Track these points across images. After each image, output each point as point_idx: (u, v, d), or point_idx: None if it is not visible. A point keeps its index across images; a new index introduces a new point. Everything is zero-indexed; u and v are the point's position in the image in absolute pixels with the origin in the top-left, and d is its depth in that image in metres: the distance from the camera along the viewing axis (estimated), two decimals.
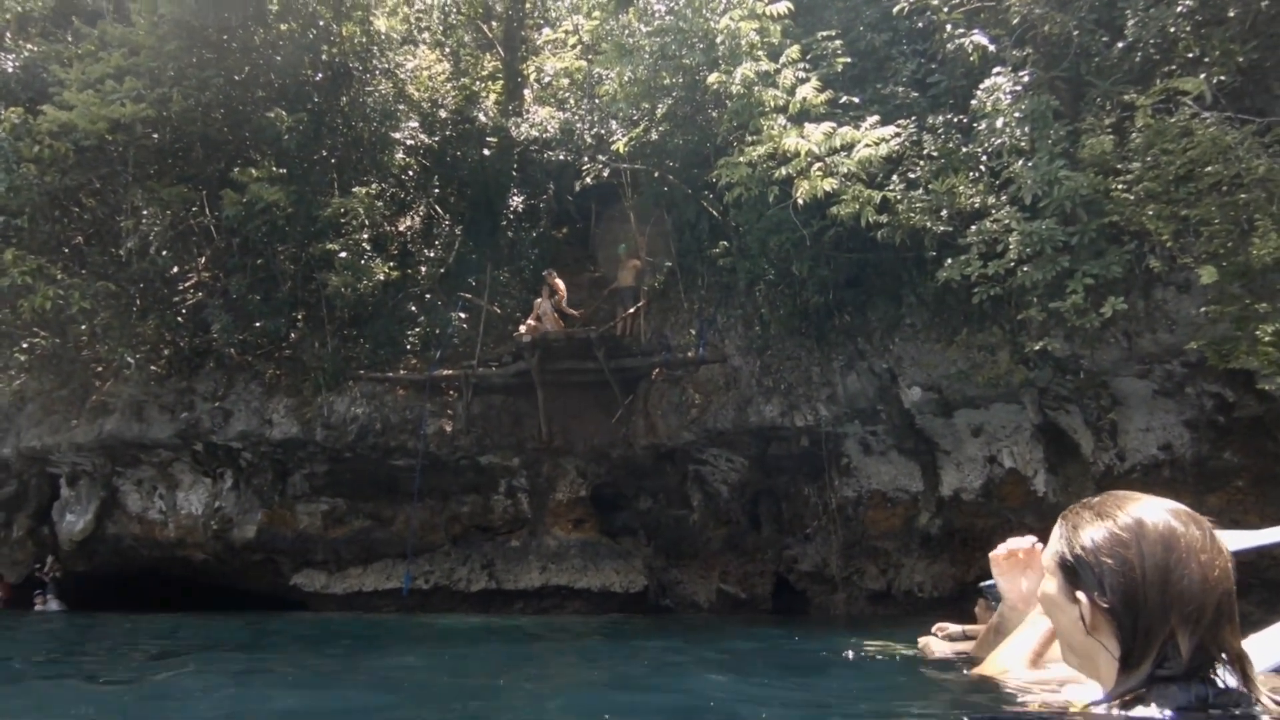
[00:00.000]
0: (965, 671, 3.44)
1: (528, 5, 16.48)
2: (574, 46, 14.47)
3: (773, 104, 9.03)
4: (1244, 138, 6.74)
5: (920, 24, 9.58)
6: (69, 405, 12.96)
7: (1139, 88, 7.59)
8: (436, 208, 14.32)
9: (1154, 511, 1.16)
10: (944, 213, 8.32)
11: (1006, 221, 7.73)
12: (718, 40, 9.68)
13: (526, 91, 15.66)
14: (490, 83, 15.64)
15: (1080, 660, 1.23)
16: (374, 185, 13.09)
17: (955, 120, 8.86)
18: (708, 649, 7.33)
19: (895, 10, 9.21)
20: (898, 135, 8.70)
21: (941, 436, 10.57)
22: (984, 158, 8.39)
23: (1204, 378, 8.28)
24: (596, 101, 13.04)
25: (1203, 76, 7.21)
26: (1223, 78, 7.31)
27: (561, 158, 13.82)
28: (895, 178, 8.73)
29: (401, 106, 13.90)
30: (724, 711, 3.73)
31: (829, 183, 8.45)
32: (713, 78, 9.44)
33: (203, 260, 13.19)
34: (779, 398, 10.79)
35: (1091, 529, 1.18)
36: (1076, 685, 1.35)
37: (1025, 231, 7.54)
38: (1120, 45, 8.00)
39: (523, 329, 12.10)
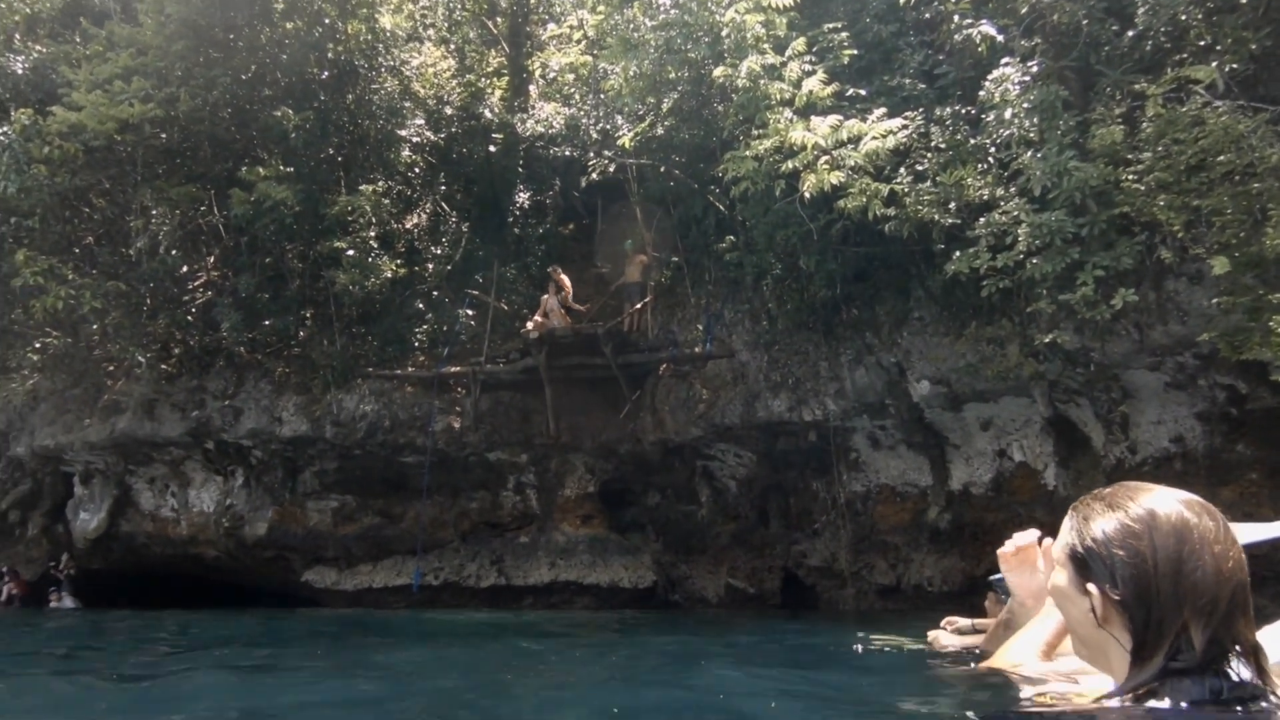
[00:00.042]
0: (974, 665, 3.43)
1: (532, 1, 16.46)
2: (579, 41, 14.42)
3: (779, 97, 8.99)
4: (1257, 126, 6.66)
5: (927, 15, 9.51)
6: (81, 404, 13.08)
7: (1149, 77, 7.51)
8: (443, 205, 14.34)
9: (1166, 502, 1.15)
10: (952, 205, 8.27)
11: (1015, 213, 7.67)
12: (723, 34, 9.64)
13: (532, 87, 15.65)
14: (495, 79, 15.64)
15: (1091, 653, 1.22)
16: (381, 183, 13.13)
17: (963, 111, 8.79)
18: (716, 644, 7.33)
19: (902, 1, 9.14)
20: (905, 127, 8.63)
21: (951, 430, 10.52)
22: (992, 149, 8.32)
23: (1216, 369, 8.21)
24: (602, 97, 13.03)
25: (1214, 65, 7.12)
26: (1235, 66, 7.22)
27: (567, 153, 13.82)
28: (903, 170, 8.67)
29: (407, 104, 13.92)
30: (733, 706, 3.73)
31: (836, 176, 8.41)
32: (718, 71, 9.40)
33: (212, 259, 13.26)
34: (787, 392, 10.77)
35: (1102, 520, 1.17)
36: (1089, 678, 1.34)
37: (1034, 223, 7.48)
38: (1130, 34, 7.91)
39: (530, 325, 12.11)
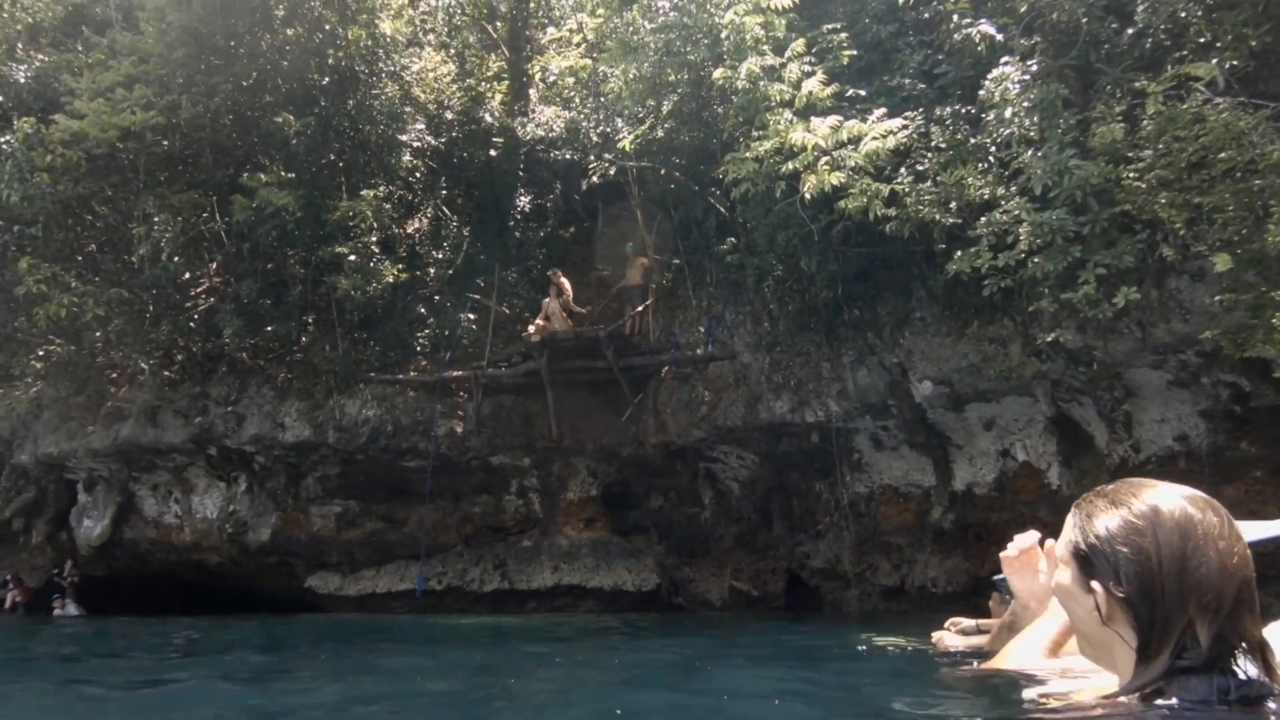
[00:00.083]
0: (978, 665, 3.42)
1: (532, 5, 16.50)
2: (578, 45, 14.46)
3: (779, 98, 8.99)
4: (1257, 123, 6.65)
5: (926, 14, 9.51)
6: (85, 411, 13.10)
7: (1150, 74, 7.50)
8: (444, 209, 14.36)
9: (1170, 498, 1.14)
10: (953, 205, 8.26)
11: (1016, 212, 7.66)
12: (722, 35, 9.65)
13: (532, 91, 15.69)
14: (496, 83, 15.67)
15: (1096, 651, 1.21)
16: (382, 188, 13.15)
17: (963, 111, 8.79)
18: (720, 646, 7.31)
19: (901, 1, 9.14)
20: (905, 127, 8.63)
21: (953, 430, 10.50)
22: (993, 148, 8.32)
23: (1219, 367, 8.18)
24: (602, 100, 13.04)
25: (1214, 62, 7.11)
26: (1235, 62, 7.21)
27: (568, 157, 13.84)
28: (903, 170, 8.67)
29: (408, 109, 13.95)
30: (737, 709, 3.71)
31: (836, 176, 8.40)
32: (718, 73, 9.41)
33: (214, 265, 13.29)
34: (789, 394, 10.75)
35: (1106, 517, 1.16)
36: (1095, 676, 1.33)
37: (1036, 222, 7.46)
38: (1130, 31, 7.90)
39: (531, 329, 12.12)
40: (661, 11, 10.65)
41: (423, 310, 13.40)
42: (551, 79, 14.98)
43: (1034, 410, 9.70)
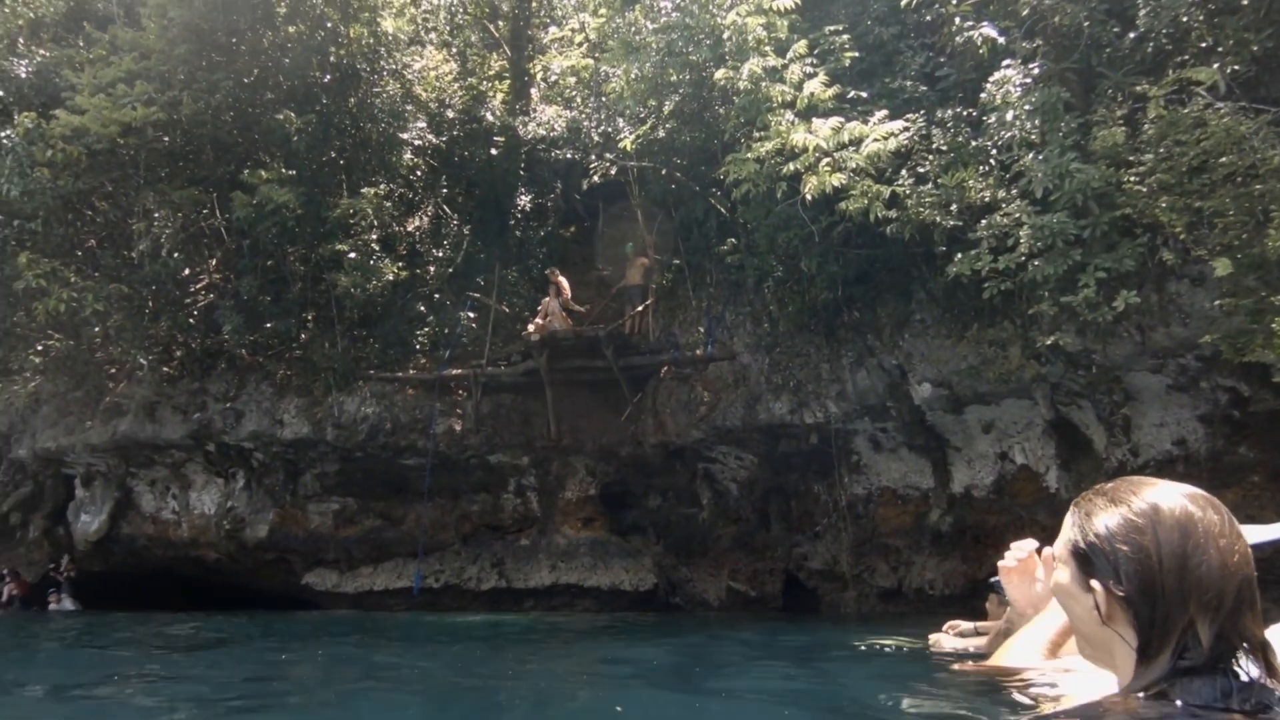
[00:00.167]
0: (976, 664, 3.41)
1: (534, 4, 16.51)
2: (580, 45, 14.46)
3: (780, 99, 8.99)
4: (1259, 128, 6.65)
5: (928, 17, 9.51)
6: (83, 407, 13.09)
7: (1151, 78, 7.50)
8: (444, 207, 14.36)
9: (1170, 496, 1.13)
10: (954, 207, 8.26)
11: (1017, 215, 7.66)
12: (724, 36, 9.64)
13: (533, 90, 15.69)
14: (497, 82, 15.67)
15: (1096, 651, 1.20)
16: (382, 186, 13.14)
17: (964, 114, 8.79)
18: (717, 646, 7.31)
19: (903, 3, 9.14)
20: (906, 129, 8.64)
21: (952, 433, 10.50)
22: (994, 151, 8.32)
23: (1219, 371, 8.18)
24: (603, 99, 13.05)
25: (1216, 66, 7.12)
26: (1236, 67, 7.21)
27: (569, 156, 13.84)
28: (904, 172, 8.67)
29: (409, 107, 13.95)
30: (733, 709, 3.71)
31: (837, 178, 8.40)
32: (720, 74, 9.41)
33: (214, 262, 13.29)
34: (788, 395, 10.75)
35: (1105, 515, 1.15)
36: (1095, 675, 1.32)
37: (1036, 225, 7.47)
38: (1132, 35, 7.91)
39: (531, 328, 12.11)
40: (664, 12, 10.65)
41: (422, 308, 13.39)
42: (553, 78, 14.99)
43: (1033, 413, 9.70)
